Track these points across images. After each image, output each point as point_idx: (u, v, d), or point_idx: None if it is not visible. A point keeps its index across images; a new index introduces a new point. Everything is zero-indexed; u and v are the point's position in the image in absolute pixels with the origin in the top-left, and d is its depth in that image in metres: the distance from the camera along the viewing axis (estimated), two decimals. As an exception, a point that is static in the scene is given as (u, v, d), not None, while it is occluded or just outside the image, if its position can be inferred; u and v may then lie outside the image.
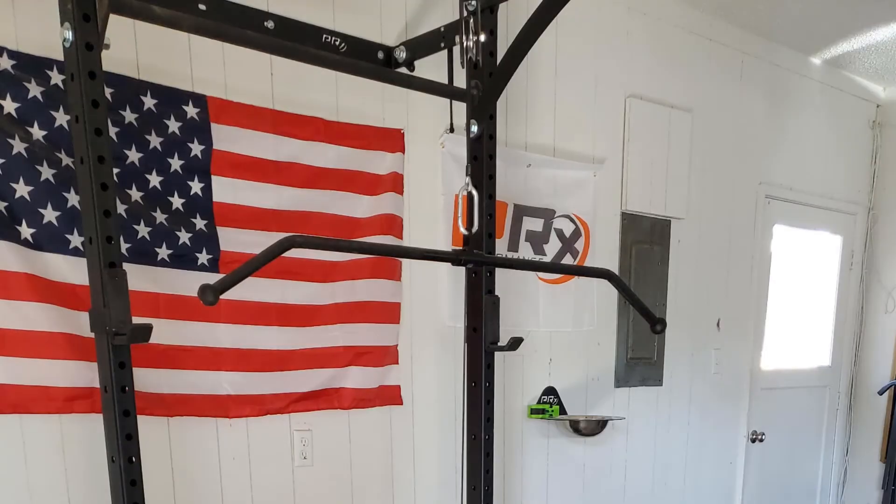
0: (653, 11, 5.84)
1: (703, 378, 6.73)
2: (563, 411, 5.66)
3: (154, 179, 3.80)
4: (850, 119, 7.69)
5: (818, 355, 8.07)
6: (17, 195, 3.44)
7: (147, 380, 3.82)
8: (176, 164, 3.86)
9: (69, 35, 2.85)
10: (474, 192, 3.72)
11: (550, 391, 5.61)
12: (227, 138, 4.00)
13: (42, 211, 3.51)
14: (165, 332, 3.84)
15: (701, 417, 6.78)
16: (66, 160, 3.51)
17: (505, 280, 4.30)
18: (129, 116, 3.70)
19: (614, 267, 5.83)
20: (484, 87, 3.79)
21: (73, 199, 3.54)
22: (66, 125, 3.49)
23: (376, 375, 4.70)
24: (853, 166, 7.85)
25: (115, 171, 3.52)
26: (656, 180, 5.96)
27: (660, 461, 6.52)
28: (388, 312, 4.71)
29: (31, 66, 3.43)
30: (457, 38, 3.76)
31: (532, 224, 5.30)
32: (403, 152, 4.62)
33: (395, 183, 4.60)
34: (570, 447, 5.84)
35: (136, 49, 3.71)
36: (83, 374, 3.63)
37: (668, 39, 6.00)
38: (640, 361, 6.19)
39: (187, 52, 3.87)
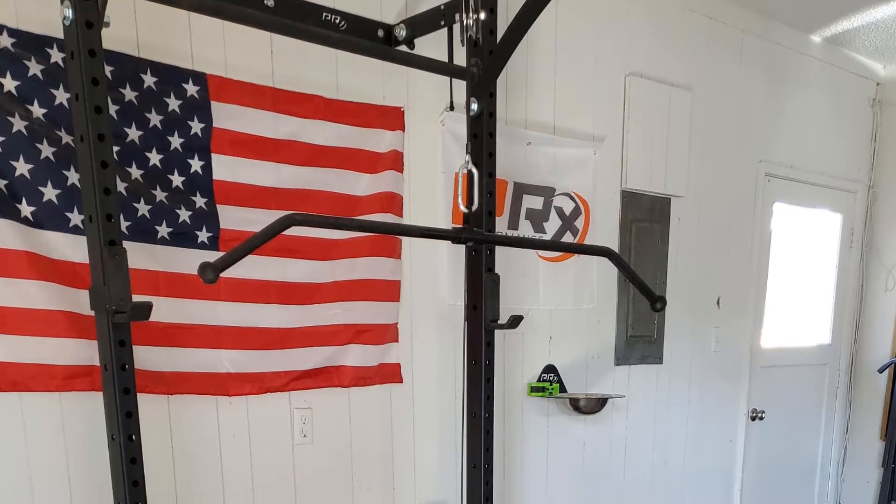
0: (653, -11, 5.84)
1: (703, 356, 6.75)
2: (563, 389, 5.68)
3: (154, 157, 3.80)
4: (850, 97, 7.69)
5: (818, 333, 8.09)
6: (17, 173, 3.44)
7: (147, 358, 3.83)
8: (176, 142, 3.86)
9: (69, 13, 2.84)
10: (474, 170, 3.71)
11: (550, 369, 5.62)
12: (227, 116, 4.00)
13: (42, 189, 3.51)
14: (165, 309, 3.85)
15: (701, 395, 6.79)
16: (66, 138, 3.50)
17: (505, 258, 4.31)
18: (129, 94, 3.69)
19: (614, 245, 5.84)
20: (484, 65, 3.79)
21: (73, 177, 3.54)
22: (66, 103, 3.48)
23: (376, 353, 4.70)
24: (853, 144, 7.85)
25: (115, 149, 3.52)
26: (656, 158, 5.96)
27: (660, 439, 6.53)
28: (388, 290, 4.71)
29: (31, 44, 3.43)
30: (457, 16, 3.76)
31: (532, 202, 5.30)
32: (403, 130, 4.62)
33: (394, 161, 4.60)
34: (570, 425, 5.85)
35: (136, 27, 3.70)
36: (83, 351, 3.63)
37: (668, 18, 5.99)
38: (640, 339, 6.20)
39: (187, 30, 3.87)
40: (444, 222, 4.86)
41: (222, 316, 4.13)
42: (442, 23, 3.93)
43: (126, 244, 3.03)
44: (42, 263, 3.56)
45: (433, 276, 4.92)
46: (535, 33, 3.96)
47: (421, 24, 4.07)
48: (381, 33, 4.12)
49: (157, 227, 3.85)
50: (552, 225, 5.44)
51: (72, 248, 3.57)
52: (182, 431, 4.12)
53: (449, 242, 4.56)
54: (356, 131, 4.44)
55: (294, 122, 4.22)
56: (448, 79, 4.09)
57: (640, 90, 5.80)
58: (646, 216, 6.07)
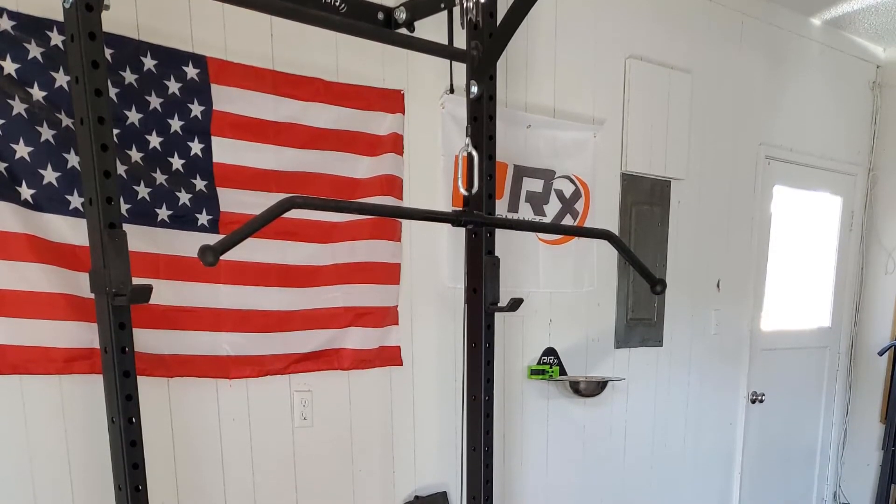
0: (653, -28, 5.83)
1: (702, 339, 6.75)
2: (563, 372, 5.68)
3: (154, 140, 3.80)
4: (850, 80, 7.68)
5: (818, 316, 8.10)
6: (17, 156, 3.44)
7: (147, 341, 3.83)
8: (176, 124, 3.86)
9: (69, -5, 2.84)
10: (474, 153, 3.70)
11: (550, 352, 5.63)
12: (227, 99, 4.00)
13: (42, 172, 3.51)
14: (165, 292, 3.85)
15: (701, 378, 6.80)
16: (66, 121, 3.50)
17: (505, 241, 4.31)
18: (129, 77, 3.69)
19: (614, 228, 5.84)
20: (484, 48, 3.78)
21: (73, 159, 3.54)
22: (66, 86, 3.48)
23: (376, 336, 4.71)
24: (853, 127, 7.84)
25: (115, 132, 3.51)
26: (656, 141, 5.96)
27: (660, 422, 6.54)
28: (388, 273, 4.71)
29: (31, 26, 3.42)
30: (457, -1, 3.76)
31: (532, 185, 5.30)
32: (403, 113, 4.62)
33: (395, 144, 4.60)
34: (570, 408, 5.86)
35: (136, 10, 3.70)
36: (83, 334, 3.64)
37: (669, 0, 5.98)
38: (640, 322, 6.21)
39: (187, 13, 3.86)
40: (445, 205, 4.86)
41: (222, 299, 4.13)
42: (442, 5, 3.92)
43: (126, 227, 3.02)
44: (42, 246, 3.56)
45: (433, 258, 4.92)
46: (535, 16, 3.96)
47: (421, 7, 4.06)
48: (381, 16, 4.10)
49: (157, 210, 3.85)
50: (552, 208, 5.43)
51: (72, 230, 3.57)
52: (182, 414, 4.12)
53: (449, 225, 4.56)
54: (356, 114, 4.44)
55: (294, 104, 4.22)
56: (448, 62, 4.10)
57: (640, 73, 5.80)
58: (646, 199, 6.06)
